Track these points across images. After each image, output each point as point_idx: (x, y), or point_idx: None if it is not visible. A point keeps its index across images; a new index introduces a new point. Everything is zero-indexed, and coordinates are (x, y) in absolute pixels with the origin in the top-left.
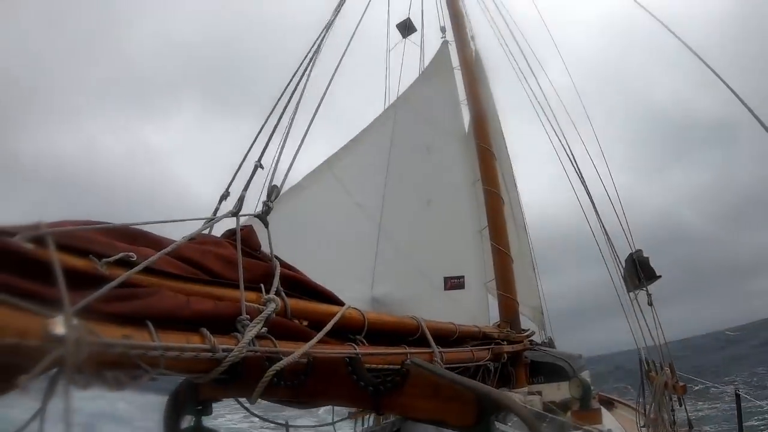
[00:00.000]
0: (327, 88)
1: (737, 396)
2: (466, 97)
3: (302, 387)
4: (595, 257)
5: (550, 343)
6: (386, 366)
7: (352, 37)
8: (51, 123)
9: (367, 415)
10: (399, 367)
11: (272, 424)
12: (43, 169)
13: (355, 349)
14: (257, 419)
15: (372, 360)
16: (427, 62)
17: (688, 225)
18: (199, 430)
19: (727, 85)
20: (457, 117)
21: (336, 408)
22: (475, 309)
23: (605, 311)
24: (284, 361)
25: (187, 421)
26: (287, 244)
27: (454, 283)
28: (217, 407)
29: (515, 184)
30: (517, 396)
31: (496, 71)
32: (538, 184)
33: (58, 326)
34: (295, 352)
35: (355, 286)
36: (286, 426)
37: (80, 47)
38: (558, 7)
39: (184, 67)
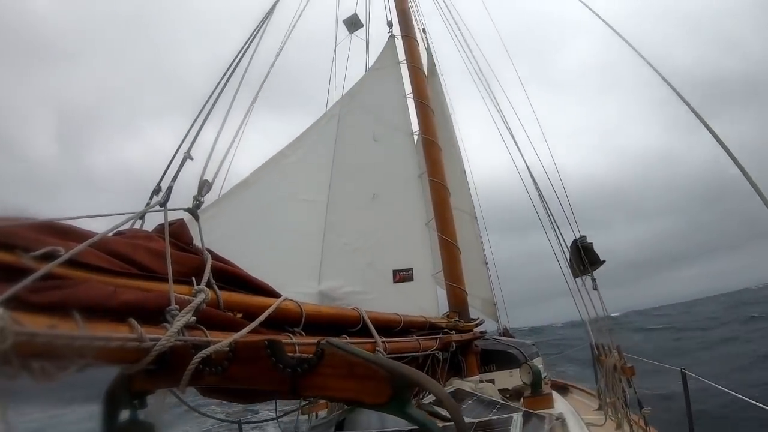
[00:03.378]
0: (265, 79)
1: (683, 375)
2: (411, 89)
3: (226, 372)
4: (545, 247)
5: (506, 334)
6: None
7: (292, 27)
8: (115, 134)
9: (317, 410)
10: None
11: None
12: (114, 177)
13: (291, 339)
14: (213, 420)
15: (308, 350)
16: (373, 59)
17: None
18: (134, 423)
19: None
20: (404, 111)
21: (284, 404)
22: (424, 301)
23: (556, 293)
24: (210, 348)
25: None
26: (232, 240)
27: (403, 275)
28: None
29: (466, 176)
30: (468, 384)
31: (449, 62)
32: (490, 173)
33: None
34: (222, 341)
35: (303, 282)
36: (239, 423)
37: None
38: None
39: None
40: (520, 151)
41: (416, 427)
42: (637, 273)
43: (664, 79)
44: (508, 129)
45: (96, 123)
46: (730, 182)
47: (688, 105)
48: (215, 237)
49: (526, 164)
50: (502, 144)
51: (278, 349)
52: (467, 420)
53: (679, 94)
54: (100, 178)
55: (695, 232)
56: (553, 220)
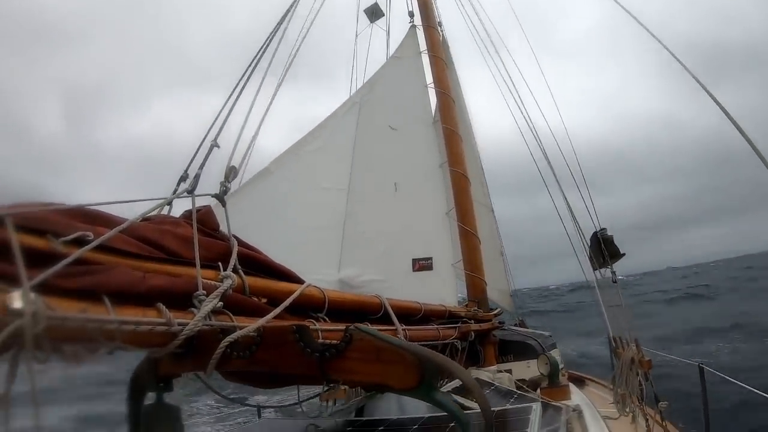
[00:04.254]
0: (287, 67)
1: (701, 369)
2: (432, 80)
3: (253, 356)
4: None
5: (522, 324)
6: None
7: (316, 15)
8: (125, 110)
9: (336, 396)
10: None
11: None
12: (125, 150)
13: (315, 324)
14: (232, 405)
15: (331, 336)
16: (393, 47)
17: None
18: (160, 407)
19: None
20: (424, 101)
21: (303, 390)
22: (443, 290)
23: (563, 253)
24: (237, 333)
25: (150, 399)
26: (254, 228)
27: (422, 264)
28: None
29: (482, 167)
30: (486, 374)
31: (462, 52)
32: (496, 134)
33: (16, 300)
34: (249, 326)
35: (323, 270)
36: (258, 408)
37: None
38: None
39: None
40: (526, 115)
41: (437, 414)
42: (641, 235)
43: (667, 49)
44: (514, 93)
45: (103, 101)
46: (733, 148)
47: (690, 72)
48: (238, 225)
49: (532, 128)
50: (508, 108)
51: (306, 334)
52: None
53: (679, 61)
54: (108, 154)
55: (699, 197)
56: (557, 181)
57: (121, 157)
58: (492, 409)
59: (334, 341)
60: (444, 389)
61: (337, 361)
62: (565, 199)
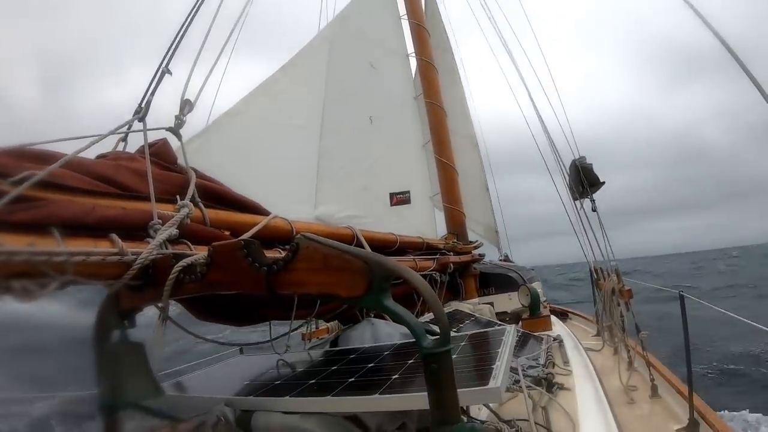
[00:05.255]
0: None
1: (681, 297)
2: (405, 10)
3: (204, 278)
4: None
5: (507, 260)
6: None
7: None
8: (103, 78)
9: (318, 335)
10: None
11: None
12: (100, 118)
13: (280, 254)
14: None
15: None
16: None
17: (712, 142)
18: (125, 343)
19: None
20: (398, 33)
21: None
22: (422, 224)
23: (559, 227)
24: (190, 258)
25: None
26: (227, 168)
27: (400, 198)
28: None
29: (466, 101)
30: (467, 306)
31: None
32: (491, 99)
33: None
34: (202, 252)
35: (299, 207)
36: (241, 348)
37: None
38: None
39: None
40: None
41: (409, 341)
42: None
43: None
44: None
45: (80, 68)
46: (703, 143)
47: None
48: (209, 166)
49: (526, 87)
50: (501, 72)
51: (253, 249)
52: (463, 333)
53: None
54: (83, 123)
55: (668, 189)
56: (550, 140)
57: (97, 126)
58: (467, 333)
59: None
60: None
61: (285, 274)
62: (541, 120)
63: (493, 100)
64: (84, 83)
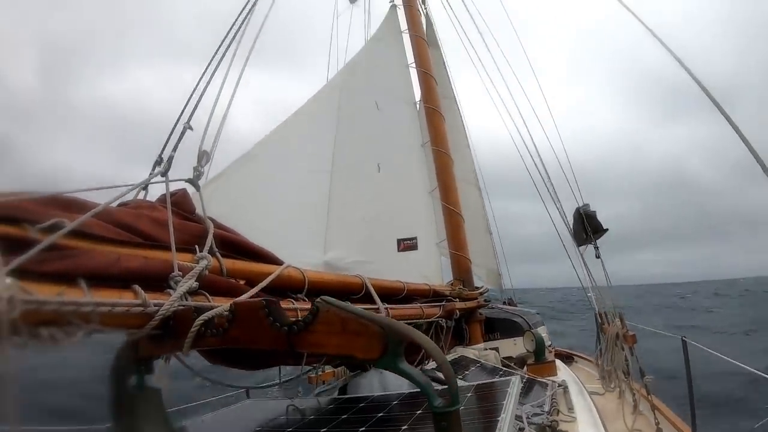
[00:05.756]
0: (253, 45)
1: (684, 343)
2: (413, 58)
3: (226, 334)
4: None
5: (511, 303)
6: None
7: None
8: (102, 71)
9: (324, 378)
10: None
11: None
12: (98, 111)
13: (293, 304)
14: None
15: None
16: (374, 29)
17: (698, 175)
18: (141, 389)
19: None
20: (406, 81)
21: (285, 371)
22: (428, 269)
23: (557, 258)
24: (212, 312)
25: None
26: (239, 212)
27: (407, 244)
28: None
29: (468, 146)
30: (472, 352)
31: (448, 35)
32: (493, 146)
33: None
34: (224, 305)
35: (308, 252)
36: (247, 390)
37: None
38: None
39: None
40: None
41: (415, 391)
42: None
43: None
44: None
45: (81, 59)
46: (688, 178)
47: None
48: (223, 210)
49: (531, 136)
50: (497, 111)
51: (275, 309)
52: (469, 383)
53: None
54: (78, 112)
55: (650, 219)
56: (548, 185)
57: (91, 116)
58: (472, 383)
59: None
60: (429, 367)
61: (305, 335)
62: (546, 172)
63: (486, 125)
64: (82, 73)
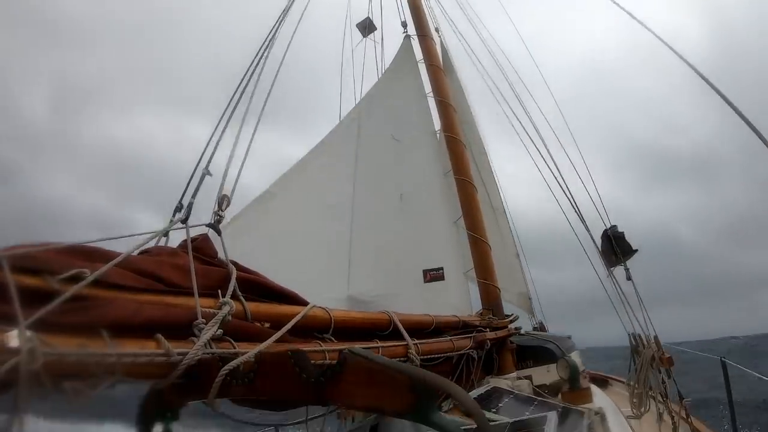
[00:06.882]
0: (271, 87)
1: (723, 364)
2: (431, 89)
3: (252, 384)
4: (574, 243)
5: (542, 328)
6: None
7: (295, 30)
8: (111, 113)
9: (353, 414)
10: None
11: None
12: (103, 151)
13: (320, 346)
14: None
15: (337, 357)
16: (388, 60)
17: (685, 240)
18: None
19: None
20: (425, 110)
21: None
22: (456, 300)
23: (596, 305)
24: (236, 360)
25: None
26: (261, 251)
27: (434, 275)
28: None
29: (491, 172)
30: (505, 382)
31: (464, 65)
32: (515, 173)
33: (13, 339)
34: (248, 352)
35: (332, 287)
36: (276, 428)
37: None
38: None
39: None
40: (547, 150)
41: None
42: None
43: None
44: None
45: (92, 98)
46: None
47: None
48: (244, 250)
49: (553, 161)
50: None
51: (302, 359)
52: (503, 420)
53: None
54: (83, 149)
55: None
56: (575, 207)
57: (94, 154)
58: (507, 420)
59: (332, 362)
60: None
61: (333, 386)
62: (570, 196)
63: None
64: (91, 113)
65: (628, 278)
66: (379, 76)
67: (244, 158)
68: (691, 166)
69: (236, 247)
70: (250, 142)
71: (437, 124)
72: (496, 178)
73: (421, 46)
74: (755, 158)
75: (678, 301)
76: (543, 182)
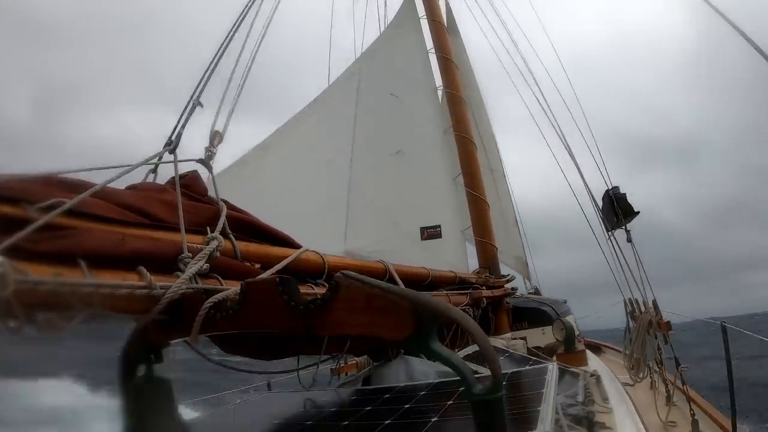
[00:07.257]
0: (267, 26)
1: (723, 328)
2: (432, 45)
3: (237, 315)
4: (574, 205)
5: (537, 293)
6: None
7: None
8: (94, 116)
9: (347, 370)
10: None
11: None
12: (86, 149)
13: (312, 289)
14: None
15: None
16: (390, 17)
17: (669, 223)
18: (151, 379)
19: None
20: (426, 67)
21: (303, 359)
22: (453, 258)
23: (598, 285)
24: (222, 293)
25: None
26: (256, 204)
27: (431, 232)
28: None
29: (492, 135)
30: (500, 341)
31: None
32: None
33: None
34: (235, 288)
35: (329, 242)
36: (269, 384)
37: None
38: None
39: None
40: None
41: (447, 379)
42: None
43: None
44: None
45: (73, 98)
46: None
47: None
48: (239, 202)
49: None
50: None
51: (290, 286)
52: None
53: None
54: (69, 145)
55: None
56: (578, 169)
57: (78, 154)
58: (505, 371)
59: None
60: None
61: (324, 313)
62: (571, 153)
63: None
64: (73, 111)
65: (629, 240)
66: (381, 32)
67: (238, 93)
68: (673, 150)
69: (229, 196)
70: (244, 77)
71: (438, 81)
72: (495, 140)
73: (423, 1)
74: (736, 141)
75: (658, 285)
76: (543, 152)
